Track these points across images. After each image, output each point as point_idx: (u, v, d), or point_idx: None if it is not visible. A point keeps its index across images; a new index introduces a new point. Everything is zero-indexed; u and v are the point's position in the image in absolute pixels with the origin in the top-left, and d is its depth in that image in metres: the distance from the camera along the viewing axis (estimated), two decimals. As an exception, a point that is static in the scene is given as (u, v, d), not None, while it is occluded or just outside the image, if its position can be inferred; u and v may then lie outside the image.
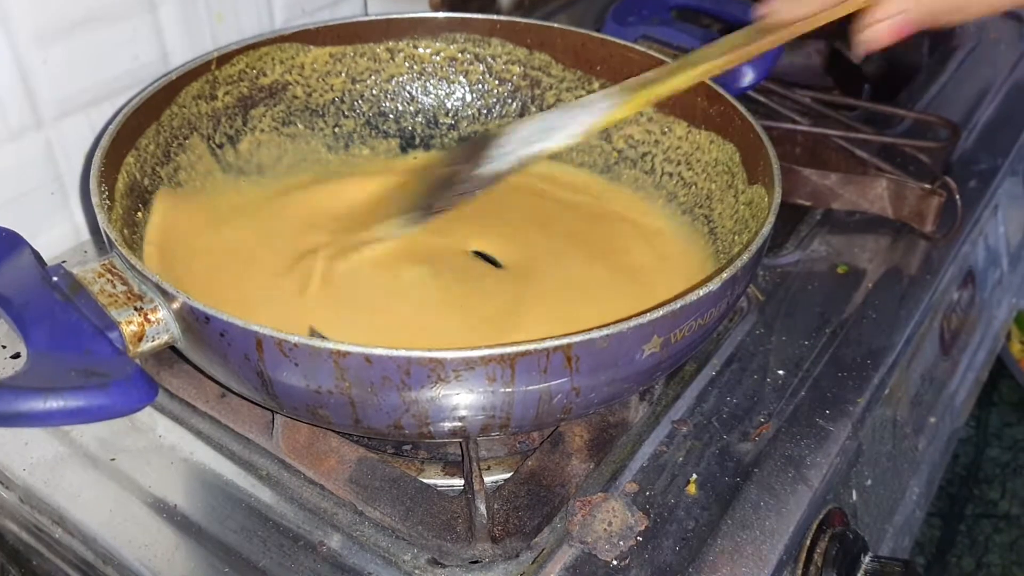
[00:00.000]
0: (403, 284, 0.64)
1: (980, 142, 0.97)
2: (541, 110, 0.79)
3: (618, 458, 0.60)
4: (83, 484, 0.58)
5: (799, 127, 0.85)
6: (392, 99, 0.79)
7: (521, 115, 0.79)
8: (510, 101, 0.80)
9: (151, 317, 0.50)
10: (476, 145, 0.62)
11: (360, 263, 0.65)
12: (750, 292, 0.74)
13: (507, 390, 0.47)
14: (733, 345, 0.69)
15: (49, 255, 0.75)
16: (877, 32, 0.51)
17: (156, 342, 0.50)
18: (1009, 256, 1.00)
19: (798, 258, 0.78)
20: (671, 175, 0.73)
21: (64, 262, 0.52)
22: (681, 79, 0.59)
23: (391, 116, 0.79)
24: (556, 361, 0.46)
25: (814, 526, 0.59)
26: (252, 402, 0.60)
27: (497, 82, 0.79)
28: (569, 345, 0.46)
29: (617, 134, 0.76)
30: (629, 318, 0.47)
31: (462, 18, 0.78)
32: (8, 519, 0.60)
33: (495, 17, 0.78)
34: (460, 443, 0.59)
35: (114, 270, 0.52)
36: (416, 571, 0.53)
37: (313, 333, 0.58)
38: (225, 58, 0.71)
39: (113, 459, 0.60)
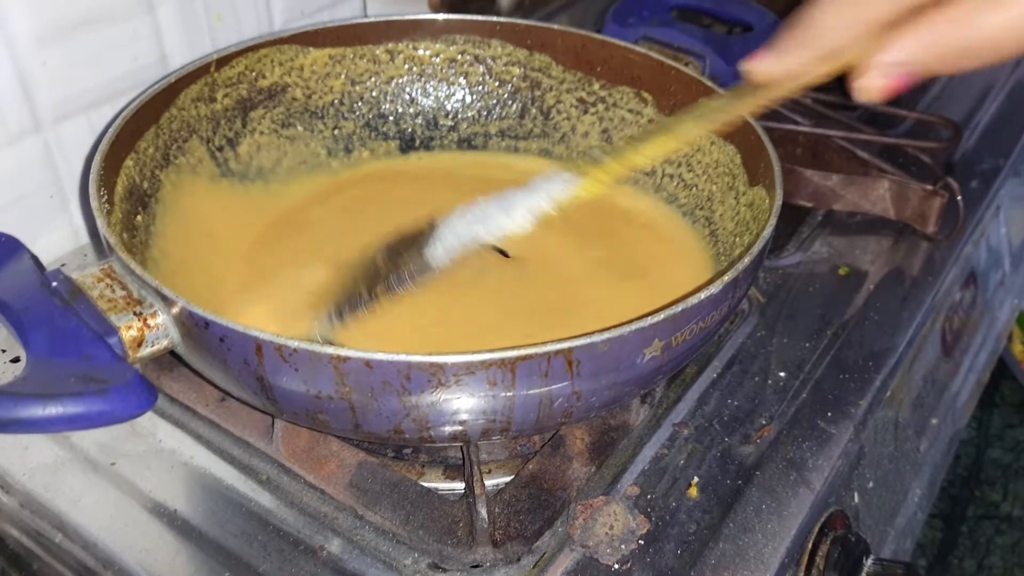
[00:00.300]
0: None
1: (982, 142, 0.97)
2: (541, 111, 0.79)
3: (619, 461, 0.60)
4: (83, 489, 0.58)
5: (800, 128, 0.85)
6: (392, 101, 0.79)
7: (521, 117, 0.79)
8: (510, 102, 0.79)
9: (151, 322, 0.49)
10: (410, 234, 0.57)
11: None
12: (751, 294, 0.74)
13: (508, 394, 0.47)
14: (734, 347, 0.69)
15: (49, 258, 0.75)
16: (874, 84, 0.48)
17: (156, 347, 0.50)
18: (1011, 257, 1.00)
19: (799, 259, 0.78)
20: (671, 177, 0.73)
21: (64, 266, 0.52)
22: (650, 150, 0.53)
23: (391, 118, 0.79)
24: (557, 365, 0.46)
25: (816, 529, 0.59)
26: (252, 407, 0.60)
27: (497, 83, 0.79)
28: (570, 349, 0.46)
29: (618, 135, 0.76)
30: (630, 322, 0.47)
31: (462, 20, 0.78)
32: (8, 524, 0.60)
33: (495, 19, 0.78)
34: (461, 447, 0.59)
35: (113, 275, 0.51)
36: (417, 575, 0.53)
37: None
38: (224, 60, 0.71)
39: (113, 464, 0.60)
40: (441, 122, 0.80)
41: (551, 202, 0.53)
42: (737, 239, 0.64)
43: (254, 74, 0.73)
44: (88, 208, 0.74)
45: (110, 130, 0.60)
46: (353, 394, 0.46)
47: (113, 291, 0.50)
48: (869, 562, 0.60)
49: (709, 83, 0.70)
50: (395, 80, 0.79)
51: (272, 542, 0.55)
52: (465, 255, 0.54)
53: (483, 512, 0.54)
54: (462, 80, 0.79)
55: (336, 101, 0.77)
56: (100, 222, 0.53)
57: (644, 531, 0.55)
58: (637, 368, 0.49)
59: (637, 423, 0.63)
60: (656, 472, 0.59)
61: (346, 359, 0.45)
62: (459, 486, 0.59)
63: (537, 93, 0.79)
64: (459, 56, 0.79)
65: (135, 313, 0.49)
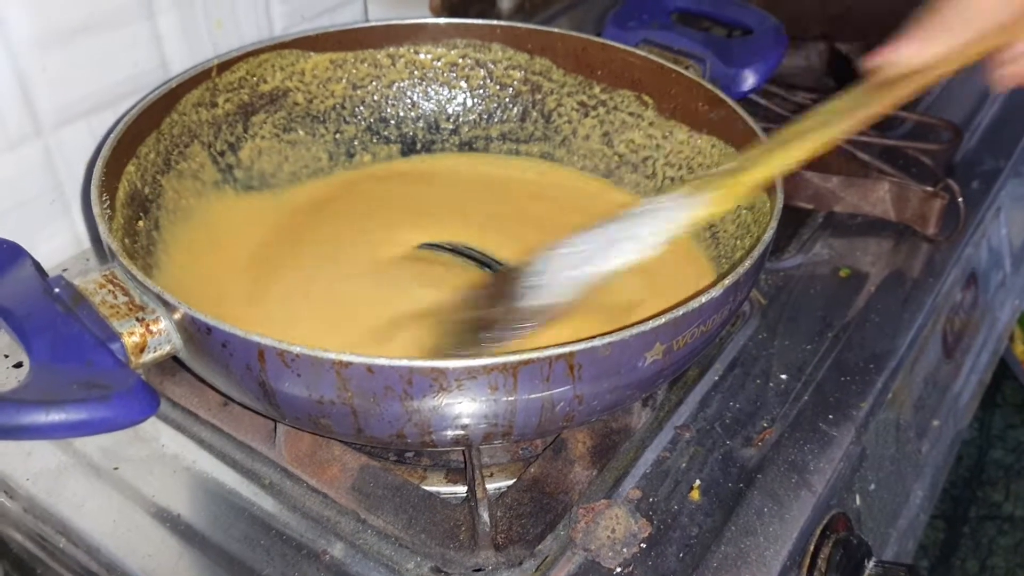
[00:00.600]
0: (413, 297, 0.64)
1: (983, 144, 0.97)
2: (542, 115, 0.79)
3: (621, 464, 0.60)
4: (86, 494, 0.58)
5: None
6: (393, 105, 0.79)
7: (522, 120, 0.79)
8: (511, 106, 0.79)
9: (153, 328, 0.50)
10: (506, 277, 0.54)
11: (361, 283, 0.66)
12: (752, 296, 0.74)
13: (509, 399, 0.47)
14: (736, 350, 0.69)
15: (51, 264, 0.75)
16: (1019, 71, 0.45)
17: (158, 353, 0.50)
18: (1012, 258, 1.00)
19: (800, 262, 0.78)
20: (672, 179, 0.73)
21: (66, 271, 0.52)
22: (772, 165, 0.50)
23: (392, 122, 0.79)
24: (558, 369, 0.46)
25: (818, 531, 0.59)
26: (254, 411, 0.60)
27: (498, 87, 0.79)
28: (571, 353, 0.46)
29: (619, 139, 0.76)
30: (631, 325, 0.47)
31: (463, 24, 0.78)
32: (12, 529, 0.60)
33: (495, 22, 0.78)
34: (463, 451, 0.59)
35: (115, 280, 0.51)
36: (419, 579, 0.53)
37: None
38: (225, 65, 0.71)
39: (116, 468, 0.60)
40: (442, 126, 0.80)
41: (676, 225, 0.49)
42: (738, 242, 0.65)
43: (255, 79, 0.73)
44: (90, 213, 0.75)
45: (111, 135, 0.60)
46: (355, 399, 0.47)
47: (115, 297, 0.50)
48: (871, 564, 0.60)
49: (709, 86, 0.70)
50: (396, 84, 0.79)
51: (275, 546, 0.55)
52: (579, 295, 0.50)
53: (485, 516, 0.54)
54: (463, 84, 0.80)
55: (337, 105, 0.77)
56: (102, 228, 0.53)
57: (646, 534, 0.55)
58: (639, 372, 0.49)
59: (639, 426, 0.63)
60: (658, 475, 0.59)
61: (348, 364, 0.45)
62: (461, 490, 0.59)
63: (538, 96, 0.79)
64: (460, 60, 0.79)
65: (137, 319, 0.50)
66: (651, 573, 0.53)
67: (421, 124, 0.80)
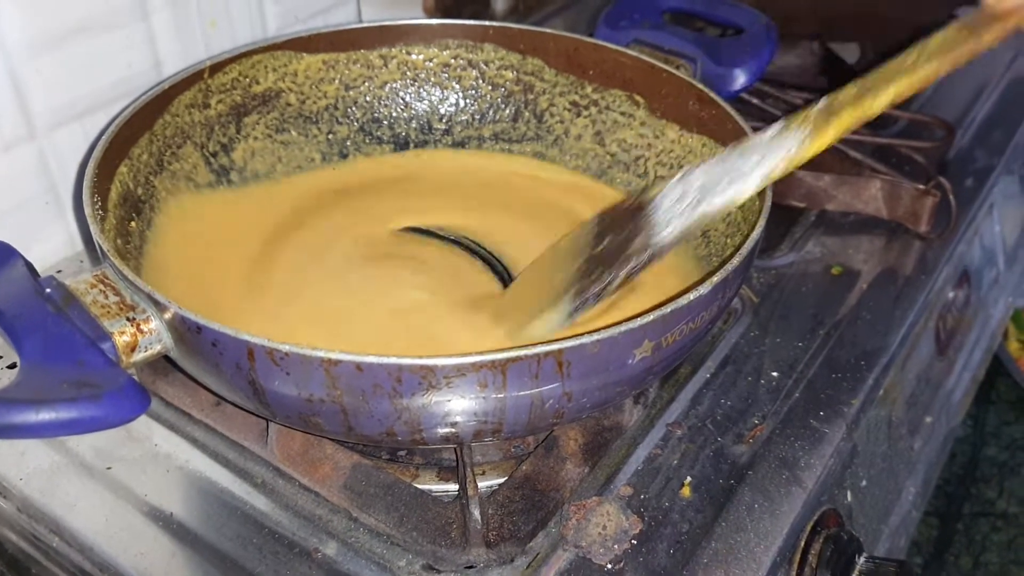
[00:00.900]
0: (405, 300, 0.64)
1: (975, 141, 0.97)
2: (534, 115, 0.79)
3: (612, 462, 0.60)
4: (79, 493, 0.59)
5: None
6: (386, 105, 0.80)
7: (515, 120, 0.80)
8: (503, 106, 0.80)
9: (144, 327, 0.50)
10: (629, 211, 0.54)
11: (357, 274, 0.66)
12: (744, 294, 0.74)
13: (499, 396, 0.47)
14: (727, 347, 0.69)
15: (45, 265, 0.75)
16: None
17: (149, 352, 0.50)
18: (1005, 255, 1.00)
19: (792, 259, 0.78)
20: (664, 179, 0.73)
21: (60, 272, 0.53)
22: (876, 99, 0.49)
23: (385, 122, 0.80)
24: (547, 366, 0.46)
25: (808, 527, 0.59)
26: (246, 410, 0.61)
27: (490, 87, 0.80)
28: (560, 351, 0.46)
29: (611, 138, 0.77)
30: (620, 322, 0.47)
31: (455, 24, 0.78)
32: (6, 528, 0.60)
33: (487, 23, 0.78)
34: (454, 448, 0.59)
35: (107, 281, 0.52)
36: (411, 577, 0.53)
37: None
38: (218, 66, 0.71)
39: (109, 468, 0.60)
40: (435, 126, 0.80)
41: (780, 163, 0.50)
42: (728, 240, 0.65)
43: (248, 80, 0.73)
44: (83, 214, 0.75)
45: (104, 137, 0.60)
46: (344, 397, 0.47)
47: (106, 297, 0.51)
48: (862, 560, 0.60)
49: (700, 85, 0.70)
50: (389, 85, 0.79)
51: (267, 545, 0.55)
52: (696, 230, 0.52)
53: (477, 513, 0.54)
54: (455, 84, 0.80)
55: (330, 106, 0.78)
56: (93, 228, 0.54)
57: (637, 531, 0.55)
58: (628, 369, 0.50)
59: (630, 424, 0.63)
60: (649, 472, 0.60)
61: (336, 362, 0.45)
62: (453, 488, 0.59)
63: (530, 96, 0.79)
64: (452, 60, 0.79)
65: (128, 319, 0.50)
66: (642, 569, 0.54)
67: (414, 124, 0.80)
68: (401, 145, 0.80)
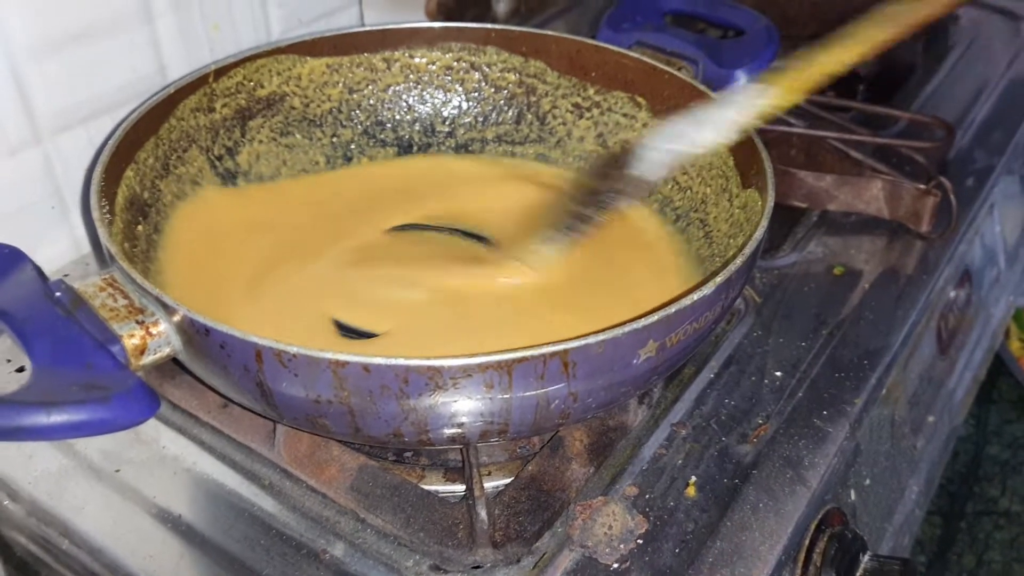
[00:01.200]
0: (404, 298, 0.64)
1: (976, 141, 0.98)
2: (537, 117, 0.79)
3: (618, 462, 0.61)
4: (88, 496, 0.59)
5: (794, 129, 0.85)
6: (389, 108, 0.80)
7: (517, 122, 0.80)
8: (506, 108, 0.80)
9: (152, 330, 0.50)
10: (613, 155, 0.61)
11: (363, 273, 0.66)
12: (747, 294, 0.74)
13: (505, 396, 0.48)
14: (731, 347, 0.70)
15: (51, 269, 0.75)
16: None
17: (158, 355, 0.51)
18: (1006, 254, 1.00)
19: (795, 260, 0.79)
20: (666, 180, 0.73)
21: (66, 275, 0.53)
22: (838, 56, 0.55)
23: (388, 125, 0.80)
24: (553, 367, 0.47)
25: (813, 526, 0.59)
26: (253, 412, 0.61)
27: (493, 90, 0.80)
28: (565, 351, 0.46)
29: (613, 139, 0.77)
30: (624, 323, 0.47)
31: (457, 27, 0.79)
32: (15, 531, 0.61)
33: (490, 26, 0.79)
34: (460, 449, 0.59)
35: (115, 284, 0.52)
36: (418, 577, 0.54)
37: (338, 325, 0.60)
38: (223, 71, 0.71)
39: (117, 471, 0.60)
40: (438, 128, 0.81)
41: (745, 113, 0.54)
42: (731, 240, 0.65)
43: (252, 84, 0.74)
44: (89, 218, 0.75)
45: (110, 141, 0.61)
46: (352, 398, 0.47)
47: (115, 300, 0.51)
48: (866, 558, 0.61)
49: (702, 87, 0.70)
50: (392, 88, 0.80)
51: (275, 546, 0.56)
52: (669, 171, 0.58)
53: (483, 514, 0.55)
54: (458, 87, 0.80)
55: (334, 109, 0.78)
56: (101, 232, 0.54)
57: (643, 531, 0.56)
58: (632, 369, 0.50)
59: (635, 424, 0.63)
60: (654, 472, 0.60)
61: (344, 363, 0.45)
62: (459, 488, 0.60)
63: (532, 99, 0.80)
64: (455, 63, 0.79)
65: (137, 322, 0.50)
66: (648, 569, 0.54)
67: (417, 127, 0.81)
68: (405, 148, 0.80)
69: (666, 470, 0.60)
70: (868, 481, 0.68)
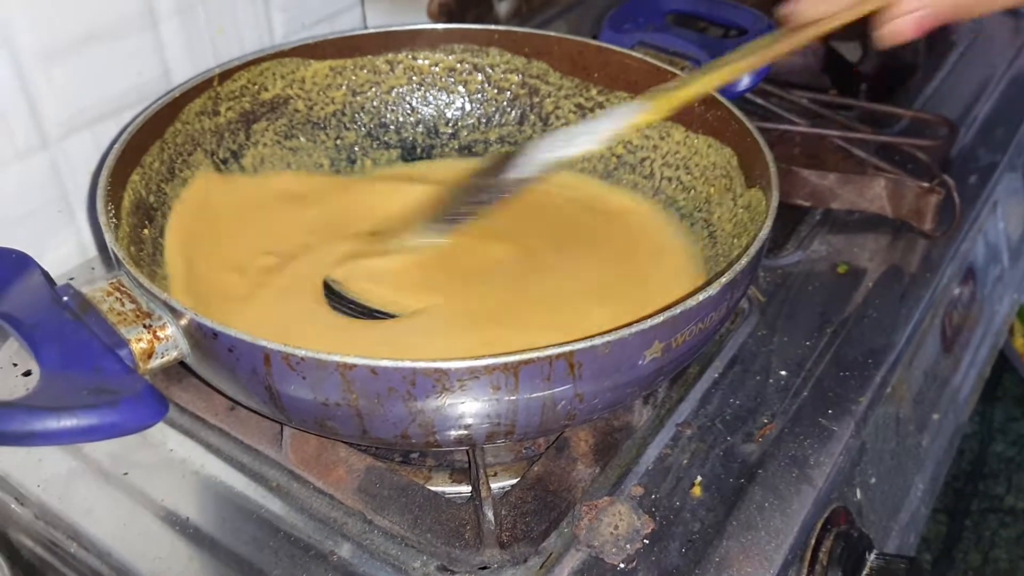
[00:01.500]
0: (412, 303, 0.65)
1: (978, 138, 0.98)
2: (540, 118, 0.80)
3: (623, 462, 0.61)
4: (96, 499, 0.59)
5: (797, 128, 0.85)
6: (392, 110, 0.80)
7: (520, 123, 0.80)
8: (509, 109, 0.80)
9: (160, 334, 0.50)
10: (500, 158, 0.64)
11: (366, 271, 0.67)
12: (751, 293, 0.74)
13: (511, 398, 0.48)
14: (735, 347, 0.70)
15: (57, 272, 0.75)
16: (900, 27, 0.50)
17: (165, 358, 0.51)
18: (1010, 251, 1.00)
19: (798, 258, 0.79)
20: (670, 179, 0.74)
21: (72, 279, 0.53)
22: (702, 83, 0.59)
23: (392, 127, 0.80)
24: (559, 368, 0.47)
25: (819, 525, 0.59)
26: (261, 415, 0.61)
27: (496, 91, 0.80)
28: (571, 352, 0.46)
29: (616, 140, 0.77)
30: (630, 324, 0.47)
31: (460, 29, 0.79)
32: (23, 535, 0.61)
33: (492, 27, 0.79)
34: (467, 450, 0.59)
35: (122, 288, 0.52)
36: (426, 578, 0.54)
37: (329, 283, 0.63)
38: (227, 74, 0.72)
39: (125, 474, 0.61)
40: (441, 130, 0.81)
41: (612, 127, 0.57)
42: (735, 240, 0.65)
43: (256, 87, 0.74)
44: (95, 222, 0.76)
45: (116, 145, 0.61)
46: (360, 401, 0.47)
47: (123, 304, 0.51)
48: (872, 557, 0.61)
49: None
50: (395, 90, 0.80)
51: (283, 548, 0.56)
52: (541, 176, 0.61)
53: (490, 514, 0.55)
54: (461, 88, 0.80)
55: (338, 112, 0.78)
56: (108, 237, 0.54)
57: (649, 530, 0.56)
58: (638, 370, 0.50)
59: (640, 424, 0.63)
60: (660, 472, 0.60)
61: (352, 366, 0.45)
62: (466, 489, 0.60)
63: (535, 100, 0.80)
64: (458, 65, 0.80)
65: (145, 326, 0.50)
66: (654, 568, 0.54)
67: (420, 129, 0.81)
68: (408, 149, 0.80)
69: (672, 470, 0.60)
70: (874, 480, 0.68)
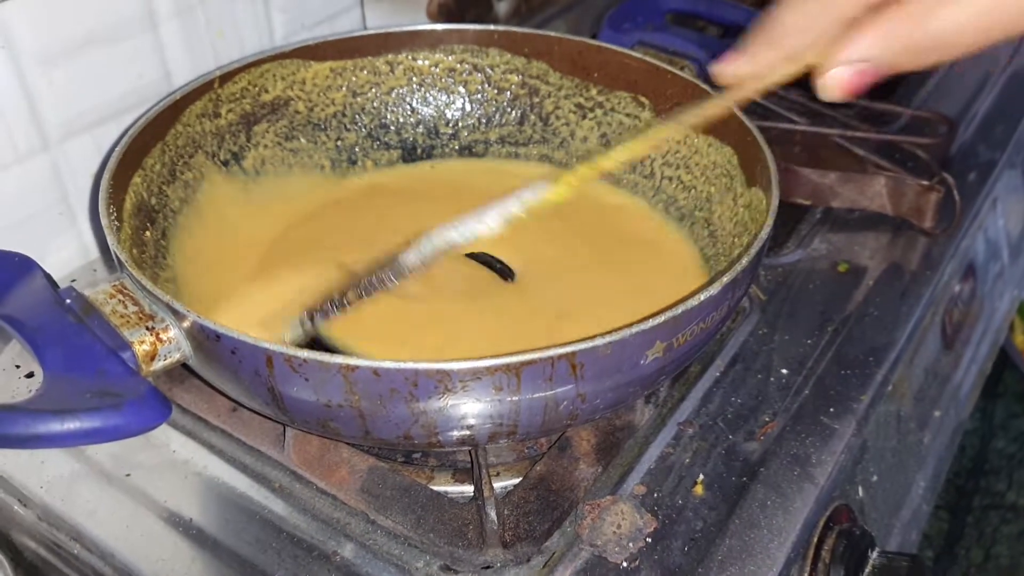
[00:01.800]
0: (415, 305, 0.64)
1: (978, 136, 0.98)
2: (540, 118, 0.80)
3: (625, 461, 0.61)
4: (99, 500, 0.59)
5: (797, 127, 0.86)
6: (393, 111, 0.80)
7: (520, 124, 0.80)
8: (509, 110, 0.80)
9: (163, 336, 0.51)
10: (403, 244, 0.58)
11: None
12: (752, 292, 0.74)
13: (514, 399, 0.48)
14: (736, 345, 0.70)
15: (59, 275, 0.75)
16: (837, 82, 0.47)
17: (168, 361, 0.51)
18: (1010, 248, 1.00)
19: (799, 257, 0.79)
20: (670, 179, 0.74)
21: (74, 281, 0.53)
22: (617, 155, 0.54)
23: (392, 128, 0.80)
24: (561, 369, 0.47)
25: (821, 523, 0.59)
26: (263, 416, 0.61)
27: (496, 91, 0.80)
28: (573, 353, 0.46)
29: (616, 139, 0.77)
30: (631, 324, 0.47)
31: (460, 29, 0.79)
32: (26, 536, 0.61)
33: (492, 27, 0.79)
34: (469, 451, 0.60)
35: (125, 291, 0.52)
36: (429, 578, 0.54)
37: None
38: (227, 76, 0.72)
39: (128, 475, 0.61)
40: (442, 130, 0.81)
41: (520, 205, 0.53)
42: (736, 239, 0.65)
43: (257, 89, 0.74)
44: (97, 224, 0.76)
45: (117, 148, 0.61)
46: (362, 402, 0.47)
47: (125, 307, 0.51)
48: (875, 555, 0.61)
49: (704, 86, 0.71)
50: (395, 91, 0.80)
51: (286, 549, 0.56)
52: (438, 259, 0.54)
53: (493, 514, 0.55)
54: (461, 89, 0.80)
55: (338, 113, 0.78)
56: (110, 239, 0.54)
57: (651, 529, 0.56)
58: (640, 369, 0.50)
59: (642, 423, 0.64)
60: (662, 471, 0.60)
61: (355, 368, 0.46)
62: (468, 489, 0.60)
63: (536, 100, 0.80)
64: (458, 65, 0.80)
65: (147, 328, 0.51)
66: (657, 567, 0.54)
67: (421, 130, 0.81)
68: (409, 150, 0.81)
69: (674, 469, 0.60)
70: (875, 477, 0.68)
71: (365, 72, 0.79)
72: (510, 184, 0.77)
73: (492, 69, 0.80)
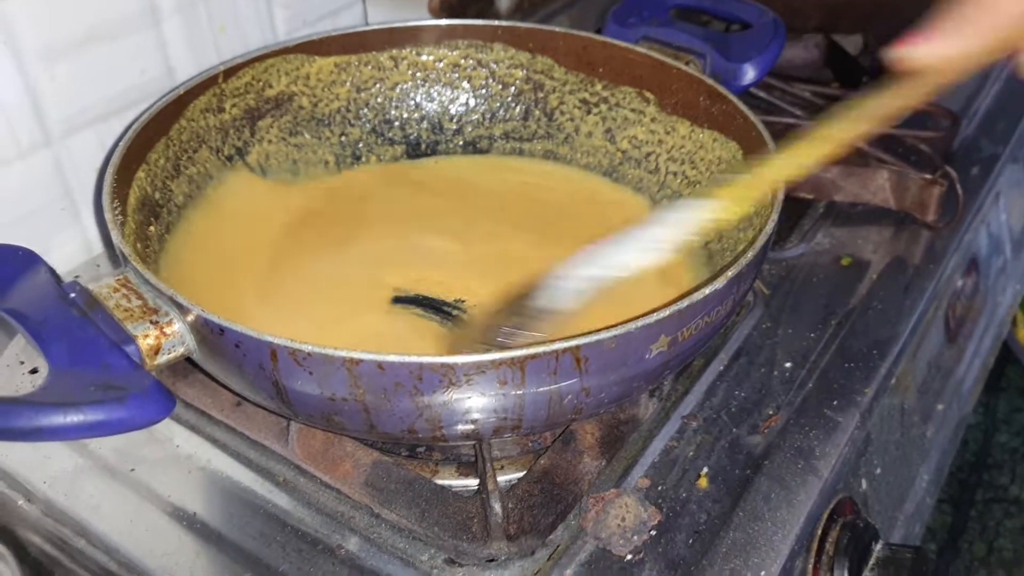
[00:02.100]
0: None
1: (981, 130, 0.98)
2: (545, 113, 0.80)
3: (629, 454, 0.61)
4: (103, 495, 0.59)
5: (799, 121, 0.85)
6: (397, 107, 0.80)
7: (525, 119, 0.80)
8: (514, 105, 0.80)
9: (167, 330, 0.50)
10: (528, 287, 0.55)
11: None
12: (756, 286, 0.74)
13: (518, 392, 0.48)
14: (740, 339, 0.70)
15: (62, 270, 0.75)
16: None
17: (172, 354, 0.51)
18: (1012, 242, 1.00)
19: (802, 251, 0.79)
20: (675, 174, 0.74)
21: (78, 276, 0.53)
22: (798, 158, 0.50)
23: (396, 123, 0.80)
24: (565, 363, 0.47)
25: (825, 516, 0.60)
26: (267, 410, 0.61)
27: (500, 86, 0.80)
28: (578, 347, 0.46)
29: (621, 135, 0.77)
30: (636, 318, 0.47)
31: (464, 24, 0.79)
32: (31, 531, 0.61)
33: (496, 23, 0.79)
34: (474, 444, 0.60)
35: (129, 284, 0.52)
36: (434, 571, 0.54)
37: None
38: (231, 71, 0.72)
39: (132, 470, 0.61)
40: (446, 126, 0.81)
41: (678, 230, 0.50)
42: (741, 234, 0.65)
43: (261, 84, 0.74)
44: (100, 219, 0.76)
45: (122, 142, 0.61)
46: (367, 395, 0.47)
47: (129, 300, 0.51)
48: (878, 547, 0.61)
49: (710, 81, 0.71)
50: (400, 86, 0.80)
51: (291, 542, 0.56)
52: (588, 297, 0.51)
53: (497, 507, 0.55)
54: (466, 84, 0.80)
55: (342, 108, 0.78)
56: (114, 234, 0.54)
57: (656, 522, 0.56)
58: (644, 363, 0.50)
59: (646, 416, 0.64)
60: (666, 464, 0.60)
61: (359, 361, 0.46)
62: (472, 483, 0.60)
63: (540, 95, 0.80)
64: (462, 61, 0.80)
65: (151, 322, 0.50)
66: (661, 560, 0.54)
67: (425, 125, 0.81)
68: (413, 145, 0.81)
69: (678, 462, 0.60)
70: (879, 470, 0.68)
71: (369, 67, 0.79)
72: (514, 180, 0.78)
73: (496, 64, 0.80)
